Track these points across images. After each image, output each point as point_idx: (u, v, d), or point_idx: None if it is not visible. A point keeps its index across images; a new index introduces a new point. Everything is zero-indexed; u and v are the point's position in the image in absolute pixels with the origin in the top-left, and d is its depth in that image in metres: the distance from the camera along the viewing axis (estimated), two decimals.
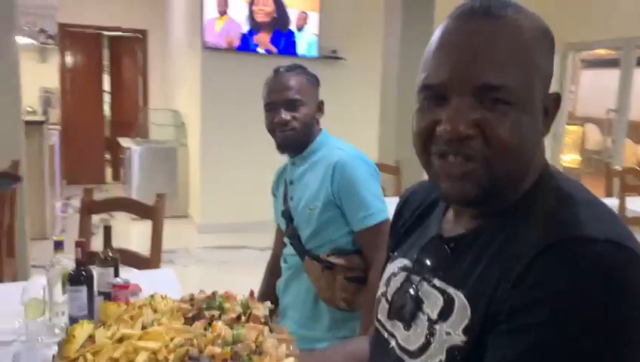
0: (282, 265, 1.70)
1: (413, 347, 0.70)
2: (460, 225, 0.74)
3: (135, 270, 2.40)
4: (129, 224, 5.42)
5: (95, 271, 1.75)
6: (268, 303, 0.89)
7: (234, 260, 4.80)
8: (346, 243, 1.54)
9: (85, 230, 2.43)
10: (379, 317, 0.81)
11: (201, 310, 0.79)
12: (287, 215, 1.64)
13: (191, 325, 0.75)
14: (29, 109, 6.76)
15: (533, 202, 0.67)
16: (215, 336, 0.70)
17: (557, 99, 0.70)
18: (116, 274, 1.73)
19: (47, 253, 1.73)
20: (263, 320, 0.80)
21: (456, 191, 0.67)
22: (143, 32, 7.47)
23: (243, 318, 0.79)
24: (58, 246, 1.69)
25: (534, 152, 0.68)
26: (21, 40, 6.65)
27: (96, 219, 5.97)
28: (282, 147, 1.61)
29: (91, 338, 0.73)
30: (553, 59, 0.71)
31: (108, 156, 7.99)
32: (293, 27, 5.35)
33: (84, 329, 0.73)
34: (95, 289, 1.67)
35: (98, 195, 3.48)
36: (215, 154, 5.35)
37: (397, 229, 0.89)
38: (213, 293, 0.84)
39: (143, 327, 0.73)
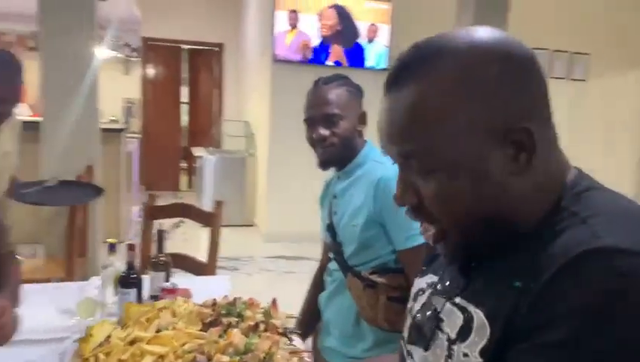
0: (326, 278, 1.66)
1: None
2: None
3: (192, 275, 2.45)
4: (198, 230, 5.58)
5: (148, 274, 1.79)
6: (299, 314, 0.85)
7: (298, 270, 4.81)
8: (389, 262, 1.47)
9: (147, 234, 2.50)
10: (403, 333, 0.79)
11: (219, 316, 0.77)
12: (332, 229, 1.60)
13: (207, 331, 0.73)
14: (112, 118, 7.16)
15: (555, 219, 0.63)
16: (227, 344, 0.68)
17: (528, 131, 0.62)
18: (167, 279, 1.76)
19: (120, 255, 1.78)
20: (280, 330, 0.77)
21: (445, 258, 0.69)
22: (220, 46, 7.74)
23: (262, 327, 0.76)
24: (112, 248, 1.74)
25: (495, 201, 0.63)
26: (107, 53, 7.08)
27: (167, 223, 6.20)
28: (323, 163, 1.57)
29: (110, 338, 0.73)
30: (516, 85, 0.62)
31: (184, 164, 8.30)
32: (362, 39, 5.34)
33: (103, 329, 0.73)
34: (147, 292, 1.71)
35: (172, 202, 3.60)
36: (282, 165, 5.41)
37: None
38: (235, 299, 0.82)
39: (159, 330, 0.71)
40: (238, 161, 6.31)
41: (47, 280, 2.24)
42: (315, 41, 5.24)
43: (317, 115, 1.52)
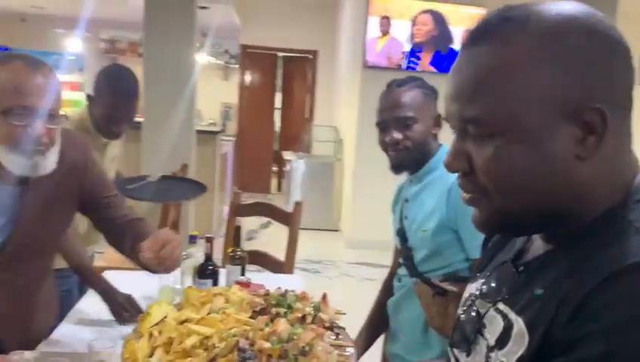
0: (395, 283, 1.64)
1: None
2: (537, 249, 0.67)
3: (269, 273, 2.52)
4: (283, 231, 5.71)
5: (226, 267, 1.87)
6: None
7: (378, 278, 4.76)
8: (462, 270, 1.43)
9: (230, 230, 2.60)
10: (450, 337, 0.77)
11: (269, 305, 0.79)
12: (402, 234, 1.58)
13: (256, 319, 0.76)
14: (211, 121, 7.55)
15: (608, 223, 0.58)
16: (270, 332, 0.70)
17: (602, 113, 0.57)
18: (242, 273, 1.83)
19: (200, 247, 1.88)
20: (327, 324, 0.78)
21: (475, 221, 0.66)
22: (314, 53, 7.91)
23: (309, 319, 0.78)
24: (192, 240, 1.84)
25: (551, 180, 0.59)
26: (207, 59, 7.48)
27: (257, 224, 6.40)
28: (395, 167, 1.55)
29: (166, 318, 0.78)
30: (597, 64, 0.58)
31: (275, 168, 8.55)
32: (456, 45, 5.22)
33: (161, 309, 0.78)
34: (223, 284, 1.78)
35: (255, 201, 3.72)
36: (368, 171, 5.41)
37: (487, 249, 0.82)
38: (286, 291, 0.84)
39: (209, 314, 0.75)
40: (325, 165, 6.39)
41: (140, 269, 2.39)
42: (407, 47, 5.20)
43: (390, 119, 1.50)
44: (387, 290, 1.71)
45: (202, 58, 7.55)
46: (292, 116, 8.52)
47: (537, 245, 0.67)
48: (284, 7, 7.50)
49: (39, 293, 1.45)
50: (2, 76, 1.18)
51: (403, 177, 1.68)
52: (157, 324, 0.74)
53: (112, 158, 2.25)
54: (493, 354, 0.62)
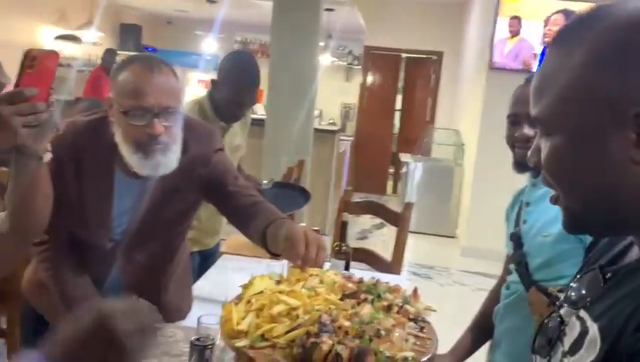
0: (503, 291, 1.56)
1: None
2: (632, 256, 0.64)
3: (376, 271, 2.52)
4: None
5: (330, 261, 1.91)
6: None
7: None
8: None
9: (338, 225, 2.64)
10: (532, 345, 0.75)
11: (359, 291, 0.81)
12: (516, 239, 1.50)
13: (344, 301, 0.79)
14: (331, 121, 7.71)
15: None
16: (353, 314, 0.72)
17: None
18: (347, 267, 1.85)
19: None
20: (412, 316, 0.79)
21: (561, 222, 0.67)
22: (439, 54, 7.76)
23: (395, 309, 0.79)
24: None
25: (607, 181, 0.59)
26: (331, 60, 7.63)
27: (370, 224, 6.42)
28: (520, 165, 1.46)
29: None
30: None
31: (391, 169, 8.52)
32: None
33: (262, 281, 0.84)
34: None
35: (365, 199, 3.74)
36: (488, 177, 5.20)
37: (589, 256, 0.76)
38: (378, 280, 0.86)
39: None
40: (444, 170, 6.25)
41: (254, 256, 2.53)
42: (538, 49, 4.92)
43: (523, 113, 1.41)
44: (494, 299, 1.63)
45: (326, 59, 7.74)
46: (412, 118, 8.43)
47: (634, 252, 0.64)
48: (409, 8, 7.44)
49: (167, 272, 1.57)
50: (123, 79, 1.26)
51: (523, 183, 1.60)
52: (256, 294, 0.80)
53: (235, 148, 2.37)
54: (565, 360, 0.62)
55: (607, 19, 0.59)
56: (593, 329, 0.59)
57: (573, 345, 0.62)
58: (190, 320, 1.52)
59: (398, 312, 0.80)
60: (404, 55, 8.27)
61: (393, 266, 2.48)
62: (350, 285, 0.84)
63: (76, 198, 1.34)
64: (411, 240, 3.35)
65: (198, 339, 1.20)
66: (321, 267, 1.09)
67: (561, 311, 0.69)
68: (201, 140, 1.46)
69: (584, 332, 0.61)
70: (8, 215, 1.03)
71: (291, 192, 3.05)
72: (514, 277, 1.50)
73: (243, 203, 1.45)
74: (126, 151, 1.26)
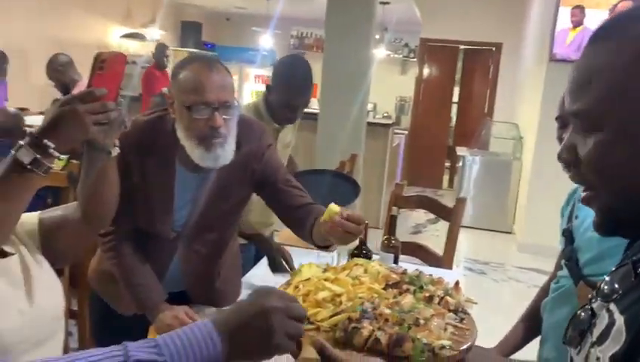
0: (552, 285, 1.55)
1: None
2: None
3: (427, 266, 2.53)
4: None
5: (379, 254, 1.94)
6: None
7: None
8: None
9: (387, 218, 2.66)
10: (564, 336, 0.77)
11: (402, 282, 0.85)
12: (568, 234, 1.49)
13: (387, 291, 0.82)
14: (385, 114, 7.68)
15: None
16: (394, 302, 0.76)
17: None
18: (395, 261, 1.88)
19: (377, 241, 1.98)
20: (452, 307, 0.81)
21: (593, 222, 0.69)
22: (498, 45, 7.56)
23: (436, 300, 0.82)
24: None
25: None
26: (386, 53, 7.59)
27: (424, 218, 6.38)
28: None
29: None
30: None
31: (447, 163, 8.40)
32: None
33: (310, 269, 0.89)
34: None
35: (416, 193, 3.74)
36: (547, 172, 5.05)
37: (627, 253, 0.76)
38: (421, 272, 0.89)
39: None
40: (502, 164, 6.11)
41: (304, 247, 2.59)
42: None
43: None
44: (544, 294, 1.63)
45: (381, 52, 7.70)
46: (469, 111, 8.27)
47: None
48: None
49: (221, 260, 1.66)
50: (184, 77, 1.36)
51: None
52: (304, 280, 0.85)
53: (286, 145, 2.45)
54: (592, 350, 0.64)
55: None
56: (620, 321, 0.61)
57: (600, 336, 0.63)
58: None
59: (439, 303, 0.83)
60: (461, 47, 8.12)
61: (445, 261, 2.48)
62: (394, 276, 0.87)
63: (141, 192, 1.44)
64: (467, 236, 3.31)
65: None
66: (359, 233, 1.14)
67: (593, 304, 0.70)
68: (253, 136, 1.54)
69: (611, 323, 0.62)
70: (79, 204, 1.13)
71: (342, 184, 3.09)
72: (564, 271, 1.50)
73: (294, 203, 1.52)
74: (189, 146, 1.36)
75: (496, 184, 6.05)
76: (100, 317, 1.67)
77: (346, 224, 1.14)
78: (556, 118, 1.49)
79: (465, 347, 0.74)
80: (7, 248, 0.99)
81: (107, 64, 0.97)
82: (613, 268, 0.72)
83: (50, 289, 1.05)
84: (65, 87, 3.55)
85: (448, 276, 2.20)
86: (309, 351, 0.68)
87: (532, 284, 4.49)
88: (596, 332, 0.65)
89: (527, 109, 6.04)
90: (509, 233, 5.97)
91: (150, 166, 1.43)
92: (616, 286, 0.67)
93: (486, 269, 4.85)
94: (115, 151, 1.07)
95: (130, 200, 1.37)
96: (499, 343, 1.64)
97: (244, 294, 1.75)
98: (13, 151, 0.89)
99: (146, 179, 1.43)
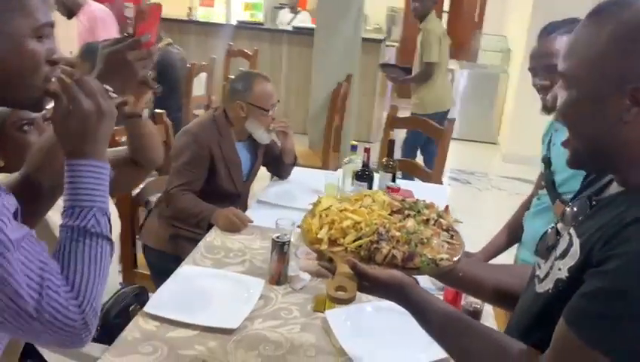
0: (534, 201, 1.82)
1: (541, 275, 0.88)
2: (613, 190, 0.85)
3: (418, 180, 2.79)
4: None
5: (379, 174, 2.17)
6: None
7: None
8: None
9: (385, 142, 2.88)
10: (536, 248, 0.99)
11: (403, 208, 1.07)
12: (547, 160, 1.72)
13: (392, 216, 1.05)
14: (376, 26, 7.64)
15: None
16: (401, 226, 0.99)
17: None
18: (393, 179, 2.12)
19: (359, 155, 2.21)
20: (444, 227, 1.05)
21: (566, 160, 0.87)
22: None
23: (432, 222, 1.05)
24: (353, 148, 2.17)
25: (603, 130, 0.79)
26: None
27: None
28: (546, 108, 1.65)
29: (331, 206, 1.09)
30: None
31: None
32: None
33: (328, 200, 1.09)
34: (376, 187, 2.10)
35: (409, 115, 3.92)
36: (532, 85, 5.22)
37: (583, 184, 0.99)
38: (417, 200, 1.11)
39: (360, 208, 1.06)
40: (490, 76, 6.23)
41: (309, 167, 2.81)
42: None
43: (537, 66, 1.63)
44: (526, 207, 1.90)
45: None
46: (459, 22, 8.22)
47: (614, 186, 0.85)
48: None
49: None
50: (259, 90, 2.10)
51: None
52: (324, 210, 1.06)
53: None
54: (556, 262, 0.85)
55: (634, 6, 0.76)
56: (576, 243, 0.80)
57: (563, 253, 0.83)
58: (266, 222, 1.85)
59: (434, 224, 1.05)
60: None
61: (434, 176, 2.74)
62: (396, 203, 1.08)
63: (222, 162, 2.09)
64: (453, 147, 3.52)
65: (277, 237, 1.54)
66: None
67: (558, 226, 0.92)
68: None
69: (570, 244, 0.82)
70: (129, 153, 1.32)
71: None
72: (544, 191, 1.75)
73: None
74: (257, 131, 2.14)
75: (483, 96, 6.19)
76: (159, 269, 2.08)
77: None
78: (529, 69, 1.68)
79: (457, 258, 0.98)
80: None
81: (147, 14, 1.09)
82: (575, 199, 0.94)
83: None
84: (69, 10, 3.57)
85: (438, 191, 2.46)
86: (343, 267, 0.92)
87: (514, 192, 4.80)
88: (559, 249, 0.86)
89: (516, 20, 6.08)
90: (494, 144, 6.22)
91: (224, 151, 2.10)
92: (574, 211, 0.89)
93: (470, 179, 5.14)
94: (145, 113, 1.25)
95: (205, 172, 2.05)
96: (483, 248, 1.93)
97: (260, 217, 2.04)
98: None
99: (219, 162, 2.09)
